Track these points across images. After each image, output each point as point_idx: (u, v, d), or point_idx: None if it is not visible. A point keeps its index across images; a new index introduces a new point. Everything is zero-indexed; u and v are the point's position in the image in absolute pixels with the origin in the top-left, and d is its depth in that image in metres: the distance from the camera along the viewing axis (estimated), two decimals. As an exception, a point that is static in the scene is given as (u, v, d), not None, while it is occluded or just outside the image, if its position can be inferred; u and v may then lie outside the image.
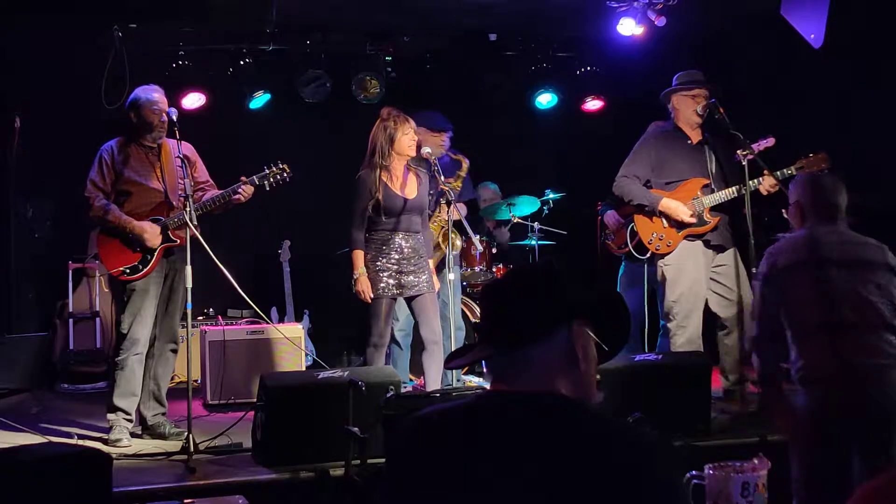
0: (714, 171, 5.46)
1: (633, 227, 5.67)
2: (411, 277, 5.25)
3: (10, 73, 6.91)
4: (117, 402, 4.98)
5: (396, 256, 5.23)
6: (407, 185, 5.31)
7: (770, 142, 5.42)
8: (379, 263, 5.22)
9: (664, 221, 5.49)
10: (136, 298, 5.01)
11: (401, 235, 5.26)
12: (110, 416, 4.99)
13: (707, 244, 5.47)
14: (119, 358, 5.02)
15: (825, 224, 3.64)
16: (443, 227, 6.02)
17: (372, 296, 5.17)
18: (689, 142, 5.53)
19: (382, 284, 5.20)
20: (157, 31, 6.91)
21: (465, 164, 6.25)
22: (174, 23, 6.83)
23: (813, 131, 6.03)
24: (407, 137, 5.25)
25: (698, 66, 7.18)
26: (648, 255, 5.62)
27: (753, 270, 5.29)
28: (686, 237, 5.45)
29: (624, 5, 6.25)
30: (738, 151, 5.30)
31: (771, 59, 6.58)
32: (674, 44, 7.12)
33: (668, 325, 5.52)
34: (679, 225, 5.43)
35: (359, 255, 5.22)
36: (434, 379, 5.30)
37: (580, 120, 8.04)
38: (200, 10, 6.51)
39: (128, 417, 4.99)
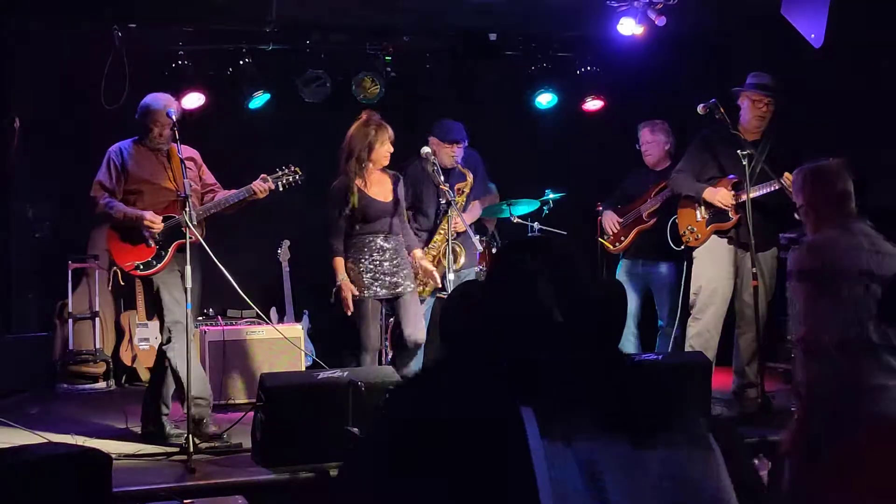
0: (756, 170, 5.42)
1: (674, 218, 5.91)
2: (392, 278, 5.30)
3: (10, 73, 6.91)
4: (198, 393, 4.86)
5: (378, 257, 5.28)
6: (381, 189, 5.35)
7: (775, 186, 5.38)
8: (361, 266, 5.26)
9: (698, 215, 5.63)
10: (164, 291, 5.03)
11: (381, 237, 5.31)
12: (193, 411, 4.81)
13: (731, 241, 5.56)
14: (172, 350, 4.95)
15: (858, 221, 3.41)
16: (447, 238, 5.88)
17: (351, 305, 5.20)
18: (742, 140, 5.45)
19: (365, 286, 5.24)
20: (157, 31, 6.91)
21: (469, 179, 6.20)
22: (174, 23, 6.83)
23: (812, 131, 6.02)
24: (384, 148, 5.26)
25: (698, 66, 7.19)
26: (682, 247, 5.86)
27: (754, 270, 5.35)
28: (714, 233, 5.58)
29: (624, 5, 6.25)
30: (738, 152, 5.32)
31: (771, 59, 6.58)
32: (674, 44, 7.12)
33: (691, 311, 5.68)
34: (708, 220, 5.57)
35: (339, 263, 5.26)
36: None
37: (580, 120, 8.04)
38: (200, 10, 6.51)
39: (208, 403, 4.97)
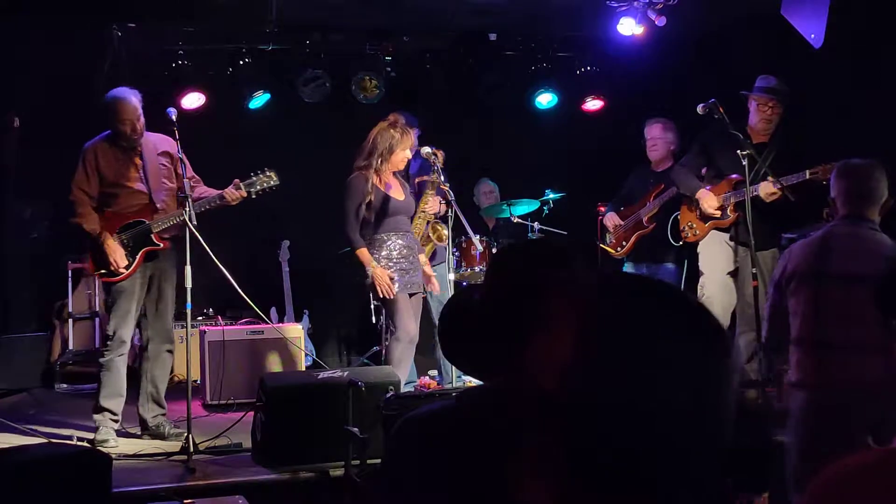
0: (760, 173, 5.45)
1: (677, 214, 6.08)
2: (408, 276, 5.45)
3: (9, 73, 6.90)
4: (104, 403, 4.98)
5: (396, 255, 5.42)
6: (394, 188, 5.51)
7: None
8: (380, 265, 5.36)
9: (698, 212, 5.76)
10: (120, 301, 5.02)
11: (395, 235, 5.45)
12: (96, 416, 4.99)
13: (731, 238, 5.66)
14: (105, 359, 5.02)
15: (849, 222, 3.48)
16: (428, 221, 6.11)
17: (389, 286, 5.31)
18: (747, 141, 5.46)
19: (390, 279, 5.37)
20: (156, 31, 6.90)
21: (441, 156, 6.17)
22: (174, 23, 6.82)
23: (812, 132, 6.02)
24: (403, 153, 5.43)
25: (698, 66, 7.17)
26: (681, 242, 6.04)
27: (754, 270, 5.35)
28: (713, 229, 5.72)
29: (624, 5, 6.24)
30: (738, 151, 5.32)
31: (771, 59, 6.58)
32: (674, 44, 7.11)
33: None
34: (706, 217, 5.70)
35: (364, 252, 5.37)
36: (405, 374, 5.45)
37: (580, 120, 8.04)
38: (200, 10, 6.50)
39: (114, 418, 5.00)
